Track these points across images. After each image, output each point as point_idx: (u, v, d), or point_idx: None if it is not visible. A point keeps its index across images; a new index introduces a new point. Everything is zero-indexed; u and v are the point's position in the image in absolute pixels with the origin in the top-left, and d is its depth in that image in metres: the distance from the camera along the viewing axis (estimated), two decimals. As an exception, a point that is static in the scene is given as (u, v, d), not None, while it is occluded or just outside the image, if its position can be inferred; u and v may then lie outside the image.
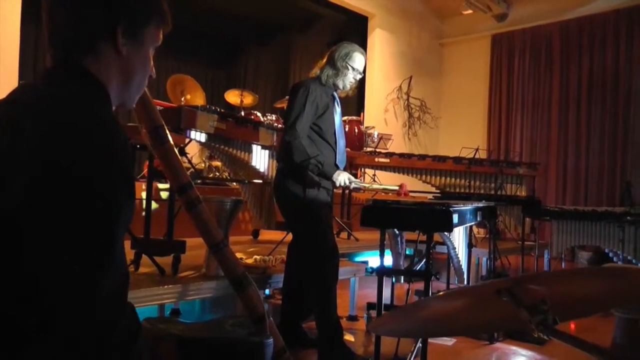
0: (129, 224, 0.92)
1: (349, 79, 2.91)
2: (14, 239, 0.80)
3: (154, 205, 3.56)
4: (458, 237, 2.81)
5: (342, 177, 2.75)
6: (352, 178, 2.80)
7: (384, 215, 2.26)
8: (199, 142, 3.28)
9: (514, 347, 3.22)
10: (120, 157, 0.87)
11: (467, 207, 2.56)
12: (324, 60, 2.92)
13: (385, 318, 1.14)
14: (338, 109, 2.97)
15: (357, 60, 2.90)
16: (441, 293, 0.81)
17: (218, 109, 3.31)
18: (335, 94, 2.95)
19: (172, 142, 1.55)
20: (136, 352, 0.95)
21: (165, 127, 1.53)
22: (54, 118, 0.86)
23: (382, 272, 2.38)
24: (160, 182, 4.20)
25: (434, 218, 2.18)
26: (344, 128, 3.33)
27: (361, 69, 2.94)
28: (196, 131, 3.12)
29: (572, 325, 3.46)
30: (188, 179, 1.59)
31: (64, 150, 0.82)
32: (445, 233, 2.68)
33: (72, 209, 0.81)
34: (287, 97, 5.61)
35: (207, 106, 3.34)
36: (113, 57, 1.00)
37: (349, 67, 2.87)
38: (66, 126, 0.85)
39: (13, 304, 0.81)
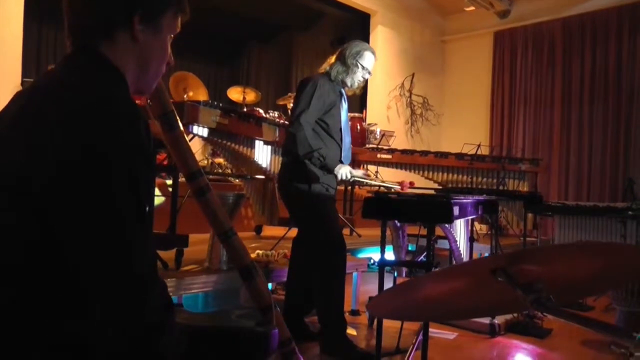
0: (153, 196, 0.97)
1: (358, 77, 2.93)
2: (46, 218, 0.84)
3: (158, 199, 3.58)
4: (459, 230, 2.82)
5: (344, 170, 2.77)
6: (354, 172, 2.82)
7: (385, 207, 2.27)
8: (202, 137, 3.30)
9: (515, 341, 3.22)
10: (139, 133, 0.90)
11: (468, 199, 2.57)
12: (334, 56, 2.94)
13: (383, 296, 1.15)
14: (345, 106, 2.98)
15: (368, 59, 2.91)
16: (436, 270, 0.83)
17: (220, 105, 3.33)
18: (343, 90, 2.97)
19: (182, 128, 1.56)
20: (172, 324, 0.97)
21: (176, 113, 1.54)
22: (72, 101, 0.90)
23: (383, 264, 2.39)
24: (162, 178, 4.22)
25: (434, 209, 2.19)
26: (347, 124, 3.35)
27: (371, 69, 2.96)
28: (199, 126, 3.14)
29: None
30: (198, 166, 1.59)
31: (86, 131, 0.86)
32: (447, 225, 2.69)
33: (99, 183, 0.85)
34: (289, 94, 5.67)
35: (210, 101, 3.37)
36: (130, 43, 1.03)
37: (359, 65, 2.89)
38: (85, 108, 0.88)
39: (49, 280, 0.85)
